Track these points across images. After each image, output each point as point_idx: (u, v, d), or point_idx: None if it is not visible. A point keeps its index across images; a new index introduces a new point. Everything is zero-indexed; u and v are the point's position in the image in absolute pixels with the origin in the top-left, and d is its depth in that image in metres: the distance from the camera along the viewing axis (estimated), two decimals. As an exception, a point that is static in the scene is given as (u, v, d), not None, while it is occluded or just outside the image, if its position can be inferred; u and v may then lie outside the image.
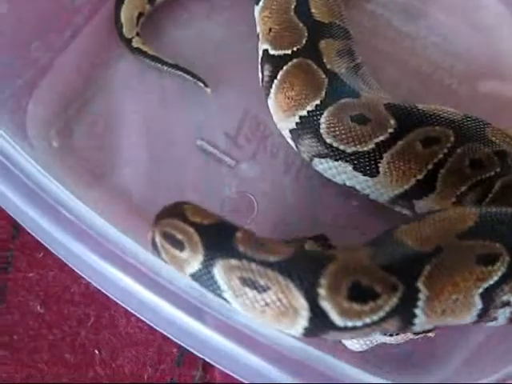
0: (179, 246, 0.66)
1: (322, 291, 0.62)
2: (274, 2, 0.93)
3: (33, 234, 0.78)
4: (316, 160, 0.85)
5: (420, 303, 0.65)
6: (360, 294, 0.62)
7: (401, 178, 0.82)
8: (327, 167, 0.85)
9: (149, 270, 0.70)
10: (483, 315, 0.68)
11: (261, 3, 0.95)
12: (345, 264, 0.63)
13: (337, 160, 0.83)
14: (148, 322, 0.72)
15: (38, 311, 0.86)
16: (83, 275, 0.77)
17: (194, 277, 0.65)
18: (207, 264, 0.64)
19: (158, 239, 0.69)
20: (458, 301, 0.66)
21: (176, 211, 0.69)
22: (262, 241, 0.65)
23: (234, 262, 0.63)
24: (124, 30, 1.00)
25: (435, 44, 0.99)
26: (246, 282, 0.62)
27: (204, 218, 0.67)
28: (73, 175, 0.90)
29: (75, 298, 0.87)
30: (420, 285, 0.64)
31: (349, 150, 0.81)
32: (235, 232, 0.64)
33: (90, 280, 0.76)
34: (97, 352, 0.84)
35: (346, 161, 0.82)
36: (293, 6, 0.92)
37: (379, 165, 0.81)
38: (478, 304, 0.67)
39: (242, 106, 0.95)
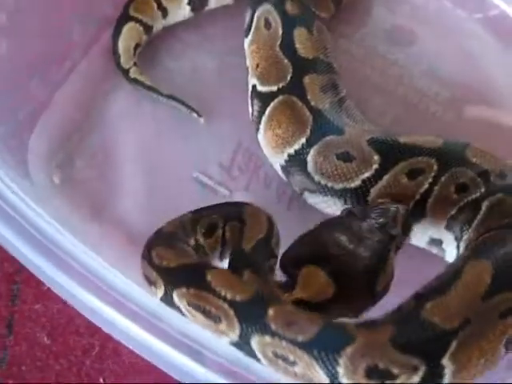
0: (213, 318, 0.71)
1: (341, 370, 0.66)
2: (260, 37, 0.96)
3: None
4: (306, 194, 0.89)
5: (446, 378, 0.68)
6: (377, 375, 0.66)
7: None
8: (318, 201, 0.89)
9: (148, 314, 0.73)
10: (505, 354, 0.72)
11: (249, 36, 0.98)
12: (364, 346, 0.66)
13: (326, 195, 0.87)
14: (149, 360, 0.76)
15: (44, 342, 0.91)
16: (84, 314, 0.81)
17: (232, 344, 0.71)
18: (244, 338, 0.69)
19: (180, 303, 0.73)
20: (485, 362, 0.69)
21: (197, 277, 0.72)
22: (291, 316, 0.68)
23: (268, 338, 0.68)
24: (121, 60, 1.03)
25: (421, 72, 1.02)
26: (278, 355, 0.68)
27: (237, 293, 0.70)
28: (73, 209, 0.94)
29: (80, 329, 0.91)
30: (445, 362, 0.68)
31: (337, 187, 0.85)
32: (268, 308, 0.68)
33: (90, 319, 0.80)
34: (102, 380, 0.89)
35: (336, 196, 0.86)
36: (278, 42, 0.95)
37: (368, 198, 0.85)
38: (502, 351, 0.71)
39: (236, 138, 0.98)
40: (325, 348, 0.67)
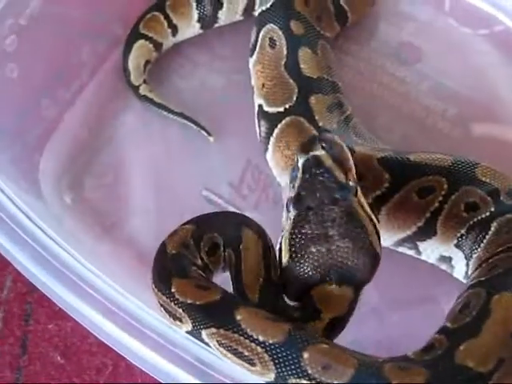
0: (247, 360, 0.70)
1: None
2: (265, 56, 0.97)
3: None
4: (317, 211, 0.90)
5: None
6: None
7: (402, 226, 0.87)
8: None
9: (159, 336, 0.74)
10: None
11: (254, 56, 0.99)
12: None
13: None
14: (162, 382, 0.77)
15: (58, 362, 0.92)
16: (94, 334, 0.81)
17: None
18: (280, 379, 0.69)
19: (210, 342, 0.72)
20: None
21: (227, 318, 0.71)
22: (327, 358, 0.68)
23: (304, 381, 0.68)
24: (132, 77, 1.04)
25: (428, 88, 1.02)
26: None
27: (270, 334, 0.69)
28: (84, 228, 0.95)
29: (93, 348, 0.92)
30: None
31: (347, 205, 0.86)
32: (303, 352, 0.68)
33: (101, 339, 0.80)
34: (115, 400, 0.90)
35: None
36: (283, 62, 0.95)
37: (380, 216, 0.86)
38: None
39: (245, 156, 0.99)
40: None
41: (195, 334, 0.73)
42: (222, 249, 0.80)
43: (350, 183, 0.75)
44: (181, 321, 0.74)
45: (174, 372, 0.73)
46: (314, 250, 0.74)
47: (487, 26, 1.06)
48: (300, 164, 0.76)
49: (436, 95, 1.02)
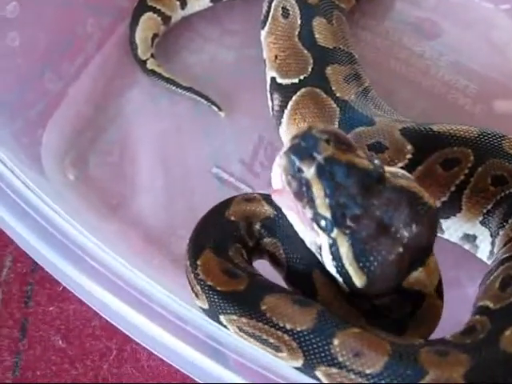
0: (272, 346, 0.66)
1: None
2: (278, 27, 0.93)
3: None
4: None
5: None
6: None
7: None
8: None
9: (168, 313, 0.69)
10: None
11: (266, 28, 0.95)
12: (436, 380, 0.61)
13: None
14: (171, 363, 0.72)
15: (59, 346, 0.87)
16: (101, 313, 0.77)
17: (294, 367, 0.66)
18: (308, 367, 0.65)
19: (228, 326, 0.68)
20: None
21: (250, 308, 0.67)
22: (358, 344, 0.63)
23: (334, 369, 0.63)
24: (139, 51, 1.00)
25: (448, 64, 0.99)
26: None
27: (297, 322, 0.65)
28: (89, 207, 0.91)
29: (96, 331, 0.88)
30: None
31: (370, 179, 0.82)
32: (333, 338, 0.63)
33: (108, 319, 0.76)
34: (120, 385, 0.86)
35: None
36: (296, 32, 0.91)
37: None
38: None
39: (257, 132, 0.95)
40: (395, 381, 0.62)
41: (213, 315, 0.69)
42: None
43: (375, 161, 0.67)
44: (197, 297, 0.70)
45: (185, 350, 0.68)
46: (392, 257, 0.66)
47: (509, 0, 1.02)
48: (312, 175, 0.65)
49: (457, 71, 0.98)
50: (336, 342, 0.63)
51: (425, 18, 1.02)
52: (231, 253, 0.72)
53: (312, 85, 0.88)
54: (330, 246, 0.66)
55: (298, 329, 0.65)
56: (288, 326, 0.65)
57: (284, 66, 0.91)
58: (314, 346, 0.64)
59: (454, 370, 0.62)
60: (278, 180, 0.67)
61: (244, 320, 0.67)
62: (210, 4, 1.03)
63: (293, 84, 0.89)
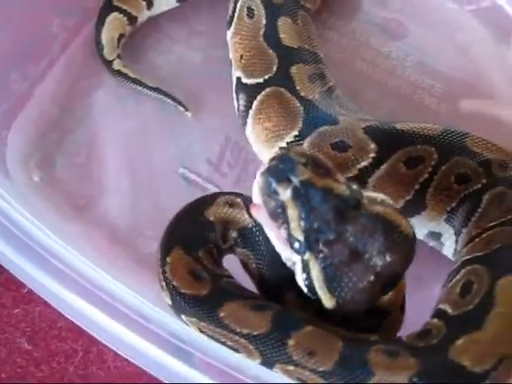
0: (230, 347, 0.69)
1: None
2: (243, 27, 0.95)
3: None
4: (302, 186, 0.87)
5: None
6: None
7: None
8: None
9: (133, 312, 0.71)
10: None
11: (232, 28, 0.97)
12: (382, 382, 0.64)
13: None
14: (136, 363, 0.73)
15: (25, 348, 0.88)
16: (66, 314, 0.78)
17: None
18: (267, 365, 0.67)
19: (189, 325, 0.71)
20: None
21: (209, 314, 0.69)
22: (312, 344, 0.66)
23: (290, 367, 0.66)
24: (105, 51, 1.01)
25: (414, 64, 1.01)
26: (301, 379, 0.66)
27: (253, 327, 0.67)
28: (54, 208, 0.92)
29: (62, 333, 0.88)
30: None
31: (333, 177, 0.83)
32: (288, 339, 0.66)
33: (73, 320, 0.77)
34: (86, 387, 0.86)
35: None
36: (262, 32, 0.93)
37: (365, 187, 0.82)
38: None
39: (223, 133, 0.97)
40: (345, 377, 0.65)
41: (174, 311, 0.71)
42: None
43: (352, 187, 0.67)
44: (163, 291, 0.72)
45: (149, 350, 0.70)
46: (362, 285, 0.66)
47: (474, 1, 1.05)
48: (287, 198, 0.66)
49: (423, 71, 1.00)
50: (291, 342, 0.66)
51: (391, 18, 1.05)
52: (201, 253, 0.73)
53: (277, 84, 0.89)
54: (303, 268, 0.67)
55: (255, 333, 0.67)
56: (245, 331, 0.68)
57: (249, 65, 0.92)
58: (270, 347, 0.67)
59: (401, 374, 0.64)
60: (257, 195, 0.68)
61: (203, 324, 0.70)
62: (177, 4, 1.04)
63: (258, 84, 0.90)
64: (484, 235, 0.78)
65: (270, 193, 0.66)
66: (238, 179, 0.94)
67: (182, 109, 0.97)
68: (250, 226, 0.73)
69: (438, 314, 0.70)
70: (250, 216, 0.72)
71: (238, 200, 0.74)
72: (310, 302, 0.70)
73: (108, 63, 1.00)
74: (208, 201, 0.74)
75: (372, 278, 0.66)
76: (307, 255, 0.66)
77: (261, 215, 0.68)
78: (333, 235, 0.65)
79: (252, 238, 0.73)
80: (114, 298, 0.73)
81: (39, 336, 0.88)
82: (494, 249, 0.74)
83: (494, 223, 0.79)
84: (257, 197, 0.68)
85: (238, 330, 0.68)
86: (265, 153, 0.89)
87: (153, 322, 0.71)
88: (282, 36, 0.92)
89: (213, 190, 0.93)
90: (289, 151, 0.67)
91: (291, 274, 0.70)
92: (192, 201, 0.75)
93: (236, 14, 0.95)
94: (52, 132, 0.97)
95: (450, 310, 0.70)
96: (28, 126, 0.97)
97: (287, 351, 0.66)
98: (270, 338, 0.67)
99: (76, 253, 0.78)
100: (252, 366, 0.69)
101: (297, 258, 0.67)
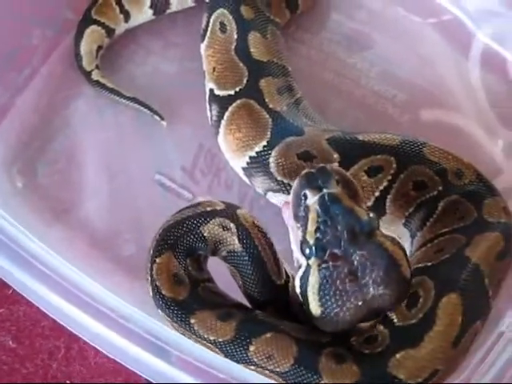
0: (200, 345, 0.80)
1: None
2: (216, 41, 1.02)
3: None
4: (270, 194, 0.96)
5: None
6: None
7: None
8: (281, 199, 0.94)
9: (113, 312, 0.80)
10: None
11: (205, 42, 1.04)
12: None
13: (289, 193, 0.92)
14: (116, 359, 0.81)
15: (10, 346, 0.96)
16: (49, 314, 0.85)
17: None
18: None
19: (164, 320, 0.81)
20: None
21: (182, 319, 0.79)
22: (271, 349, 0.76)
23: (252, 367, 0.77)
24: (84, 62, 1.09)
25: (379, 74, 1.09)
26: (263, 374, 0.78)
27: (219, 334, 0.77)
28: (36, 213, 1.00)
29: (45, 331, 0.97)
30: None
31: (299, 186, 0.91)
32: (249, 345, 0.76)
33: (56, 319, 0.85)
34: (68, 383, 0.94)
35: None
36: (233, 46, 1.01)
37: None
38: None
39: (197, 141, 1.05)
40: (297, 382, 0.76)
41: (154, 304, 0.81)
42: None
43: (371, 216, 0.75)
44: (147, 283, 0.81)
45: (126, 346, 0.79)
46: (349, 305, 0.74)
47: (435, 15, 1.13)
48: (313, 203, 0.75)
49: (386, 82, 1.08)
50: (252, 348, 0.77)
51: (358, 30, 1.13)
52: (188, 260, 0.83)
53: (247, 96, 0.97)
54: (304, 271, 0.76)
55: (220, 340, 0.78)
56: (211, 338, 0.78)
57: (221, 78, 1.00)
58: (234, 352, 0.78)
59: (345, 380, 0.75)
60: (290, 196, 0.78)
61: (176, 325, 0.80)
62: (153, 17, 1.11)
63: (229, 95, 0.98)
64: (436, 241, 0.87)
65: (299, 195, 0.76)
66: (210, 185, 1.02)
67: (157, 118, 1.05)
68: (239, 251, 0.83)
69: (386, 321, 0.80)
70: (242, 242, 0.82)
71: (232, 225, 0.82)
72: (285, 316, 0.81)
73: (87, 74, 1.07)
74: (205, 218, 0.83)
75: (360, 303, 0.74)
76: (312, 261, 0.75)
77: (287, 212, 0.79)
78: (340, 251, 0.74)
79: (239, 260, 0.83)
80: (94, 299, 0.82)
81: (23, 334, 0.97)
82: (442, 259, 0.83)
83: (446, 229, 0.88)
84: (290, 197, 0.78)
85: (206, 336, 0.79)
86: (236, 161, 0.97)
87: (131, 321, 0.80)
88: (252, 50, 1.00)
89: (187, 196, 1.02)
90: (329, 165, 0.77)
91: (273, 294, 0.81)
92: (190, 212, 0.84)
93: (209, 29, 1.03)
94: (33, 140, 1.05)
95: (395, 320, 0.79)
96: (10, 135, 1.04)
97: (249, 355, 0.77)
98: (233, 343, 0.78)
99: (58, 256, 0.86)
100: (225, 362, 0.78)
101: (303, 261, 0.76)
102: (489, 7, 1.12)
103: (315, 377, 0.76)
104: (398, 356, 0.76)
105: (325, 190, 0.75)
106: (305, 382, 0.76)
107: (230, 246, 0.82)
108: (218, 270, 0.85)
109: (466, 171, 0.90)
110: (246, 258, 0.82)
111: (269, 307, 0.83)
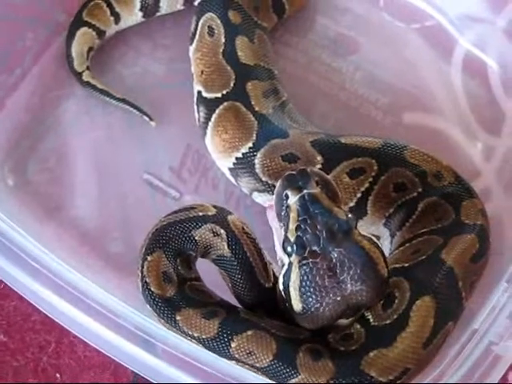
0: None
1: None
2: (204, 44, 1.06)
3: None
4: (255, 194, 0.99)
5: None
6: None
7: None
8: (266, 199, 0.99)
9: (102, 307, 0.84)
10: None
11: (193, 45, 1.08)
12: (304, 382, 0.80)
13: (274, 194, 0.95)
14: (104, 352, 0.85)
15: (1, 339, 1.00)
16: (40, 308, 0.90)
17: None
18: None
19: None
20: None
21: (168, 315, 0.84)
22: (251, 346, 0.81)
23: (234, 362, 0.82)
24: (75, 63, 1.12)
25: (363, 78, 1.13)
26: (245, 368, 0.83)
27: (203, 332, 0.82)
28: (27, 211, 1.04)
29: (36, 326, 1.00)
30: None
31: (283, 186, 0.95)
32: (231, 342, 0.81)
33: (46, 313, 0.89)
34: (58, 376, 0.98)
35: None
36: (221, 50, 1.04)
37: None
38: None
39: (185, 141, 1.09)
40: (276, 377, 0.81)
41: (143, 298, 0.85)
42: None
43: (349, 216, 0.80)
44: (137, 278, 0.85)
45: (116, 340, 0.83)
46: (329, 300, 0.79)
47: (419, 20, 1.17)
48: (293, 203, 0.80)
49: (369, 85, 1.12)
50: (233, 345, 0.82)
51: (343, 34, 1.17)
52: (178, 260, 0.87)
53: (233, 99, 1.01)
54: (287, 268, 0.81)
55: (203, 336, 0.83)
56: (195, 334, 0.83)
57: (209, 80, 1.03)
58: (216, 349, 0.83)
59: (320, 376, 0.80)
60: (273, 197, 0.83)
61: (162, 321, 0.85)
62: (143, 19, 1.15)
63: (216, 98, 1.02)
64: (414, 241, 0.91)
65: (281, 195, 0.81)
66: (198, 185, 1.06)
67: (146, 119, 1.09)
68: (228, 256, 0.87)
69: (362, 320, 0.84)
70: (231, 248, 0.86)
71: (222, 231, 0.87)
72: (275, 317, 0.86)
73: (78, 75, 1.11)
74: (197, 222, 0.87)
75: (339, 298, 0.79)
76: (293, 258, 0.80)
77: (271, 214, 0.84)
78: (319, 249, 0.78)
79: (228, 265, 0.87)
80: (84, 294, 0.86)
81: (14, 329, 1.01)
82: (419, 260, 0.87)
83: (424, 230, 0.92)
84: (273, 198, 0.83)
85: (190, 333, 0.84)
86: (222, 161, 1.01)
87: (120, 316, 0.84)
88: (239, 54, 1.04)
89: (174, 194, 1.06)
90: (309, 167, 0.82)
91: (262, 296, 0.87)
92: (183, 215, 0.87)
93: (198, 32, 1.07)
94: (24, 139, 1.09)
95: (371, 319, 0.83)
96: (1, 134, 1.08)
97: (230, 351, 0.82)
98: (216, 340, 0.83)
99: (49, 252, 0.90)
100: (207, 354, 0.83)
101: (285, 259, 0.81)
102: (471, 14, 1.16)
103: (293, 372, 0.80)
104: (371, 354, 0.81)
105: (305, 191, 0.79)
106: (283, 376, 0.80)
107: (219, 251, 0.87)
108: (208, 269, 0.89)
109: (446, 173, 0.94)
110: (235, 263, 0.86)
111: (258, 309, 0.87)
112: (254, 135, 0.97)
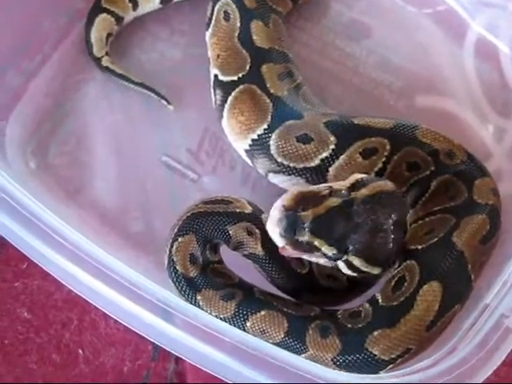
0: None
1: None
2: (220, 29, 1.11)
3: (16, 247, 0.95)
4: (271, 175, 1.04)
5: None
6: None
7: None
8: (281, 180, 1.04)
9: (124, 279, 0.88)
10: None
11: (210, 30, 1.13)
12: (312, 359, 0.88)
13: (289, 175, 1.01)
14: (126, 324, 0.90)
15: (25, 317, 1.05)
16: (64, 283, 0.93)
17: None
18: None
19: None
20: None
21: (189, 295, 0.92)
22: (264, 325, 0.90)
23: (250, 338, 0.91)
24: (94, 49, 1.18)
25: (376, 63, 1.18)
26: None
27: (221, 312, 0.91)
28: (49, 192, 1.09)
29: (58, 303, 1.06)
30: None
31: (298, 167, 1.00)
32: (246, 322, 0.90)
33: (70, 287, 0.93)
34: (80, 352, 1.03)
35: (298, 175, 1.01)
36: (236, 34, 1.09)
37: (327, 177, 1.00)
38: None
39: (203, 124, 1.14)
40: (287, 351, 0.90)
41: (167, 273, 0.93)
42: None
43: (341, 193, 0.88)
44: (165, 253, 0.93)
45: (138, 312, 0.87)
46: (388, 246, 0.88)
47: (431, 5, 1.21)
48: (308, 238, 0.86)
49: (383, 69, 1.17)
50: (248, 324, 0.90)
51: (356, 19, 1.21)
52: (208, 246, 0.94)
53: (249, 82, 1.05)
54: (347, 265, 0.90)
55: (221, 316, 0.91)
56: (214, 314, 0.91)
57: (225, 64, 1.08)
58: (233, 327, 0.90)
59: (327, 352, 0.88)
60: (277, 240, 0.88)
61: (183, 298, 0.92)
62: (160, 6, 1.20)
63: (232, 81, 1.06)
64: (427, 219, 0.96)
65: (294, 241, 0.87)
66: (215, 166, 1.12)
67: (164, 102, 1.14)
68: (261, 254, 0.94)
69: (372, 300, 0.91)
70: (264, 248, 0.93)
71: (257, 231, 0.94)
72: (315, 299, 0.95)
73: (97, 60, 1.16)
74: (234, 219, 0.94)
75: (392, 236, 0.88)
76: (345, 257, 0.89)
77: (290, 253, 0.90)
78: (349, 233, 0.87)
79: (262, 262, 0.95)
80: (106, 267, 0.90)
81: (37, 306, 1.06)
82: (430, 243, 0.92)
83: (438, 208, 0.96)
84: (277, 241, 0.88)
85: (209, 312, 0.91)
86: (238, 143, 1.06)
87: (142, 289, 0.88)
88: (254, 38, 1.08)
89: (192, 176, 1.11)
90: (283, 210, 0.87)
91: (300, 282, 0.95)
92: (221, 208, 0.94)
93: (214, 17, 1.12)
94: (46, 123, 1.14)
95: (380, 300, 0.90)
96: (24, 118, 1.13)
97: (245, 329, 0.91)
98: (232, 320, 0.91)
99: (72, 229, 0.95)
100: (227, 326, 0.89)
101: (338, 262, 0.89)
102: (483, -2, 1.22)
103: (302, 348, 0.89)
104: (375, 333, 0.88)
105: (305, 225, 0.86)
106: (293, 352, 0.88)
107: (252, 249, 0.94)
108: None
109: (458, 152, 0.99)
110: (269, 261, 0.94)
111: (300, 293, 0.95)
112: (269, 117, 1.02)
